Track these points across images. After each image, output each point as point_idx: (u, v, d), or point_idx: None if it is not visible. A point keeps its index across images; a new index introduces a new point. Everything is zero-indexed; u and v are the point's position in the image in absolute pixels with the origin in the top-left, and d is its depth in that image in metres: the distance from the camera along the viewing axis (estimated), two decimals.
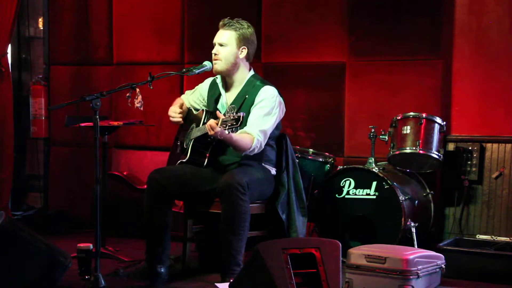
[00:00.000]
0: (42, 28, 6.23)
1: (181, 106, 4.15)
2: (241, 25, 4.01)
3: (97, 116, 3.53)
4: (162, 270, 3.88)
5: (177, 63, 5.57)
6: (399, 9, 4.94)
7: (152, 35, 5.74)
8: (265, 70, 5.24)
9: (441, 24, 4.85)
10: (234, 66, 4.02)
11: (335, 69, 5.13)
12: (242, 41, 3.99)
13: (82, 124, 4.38)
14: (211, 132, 3.64)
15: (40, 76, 6.05)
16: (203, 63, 4.02)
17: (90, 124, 4.13)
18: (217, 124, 3.59)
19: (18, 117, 6.04)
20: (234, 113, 3.56)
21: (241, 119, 3.52)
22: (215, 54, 4.01)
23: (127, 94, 3.71)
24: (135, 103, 3.75)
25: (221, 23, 4.03)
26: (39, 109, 5.94)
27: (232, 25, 4.00)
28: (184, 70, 4.06)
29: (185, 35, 5.62)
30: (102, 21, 5.89)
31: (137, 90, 3.73)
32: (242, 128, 3.82)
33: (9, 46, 5.75)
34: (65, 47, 6.02)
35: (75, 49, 5.99)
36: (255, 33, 4.10)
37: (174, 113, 4.10)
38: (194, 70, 3.98)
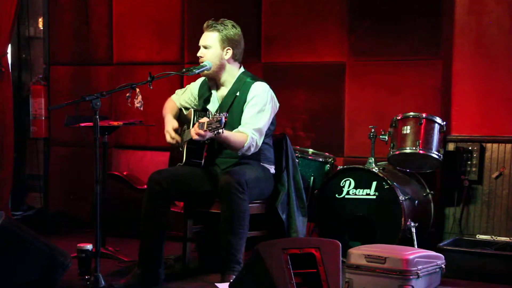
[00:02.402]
0: (42, 28, 6.22)
1: (175, 128, 4.10)
2: (225, 26, 3.97)
3: (97, 116, 3.52)
4: (160, 271, 3.88)
5: (177, 63, 5.57)
6: (399, 9, 4.94)
7: (152, 35, 5.74)
8: (265, 70, 5.23)
9: (441, 24, 4.84)
10: (220, 67, 4.01)
11: (335, 69, 5.13)
12: (226, 42, 3.96)
13: (82, 124, 4.38)
14: (195, 137, 3.66)
15: (40, 76, 6.05)
16: (203, 63, 4.01)
17: (90, 124, 4.12)
18: (198, 127, 3.59)
19: (18, 117, 6.03)
20: (218, 115, 3.52)
21: (223, 120, 3.47)
22: (200, 57, 4.00)
23: (127, 94, 3.71)
24: (135, 103, 3.75)
25: (205, 25, 4.01)
26: (39, 109, 5.94)
27: (215, 26, 3.97)
28: (184, 70, 4.05)
29: (185, 35, 5.62)
30: (102, 21, 5.89)
31: (137, 90, 3.73)
32: (231, 128, 3.82)
33: (9, 46, 5.75)
34: (65, 47, 6.02)
35: (75, 49, 5.99)
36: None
37: (173, 137, 4.06)
38: (194, 70, 3.97)
